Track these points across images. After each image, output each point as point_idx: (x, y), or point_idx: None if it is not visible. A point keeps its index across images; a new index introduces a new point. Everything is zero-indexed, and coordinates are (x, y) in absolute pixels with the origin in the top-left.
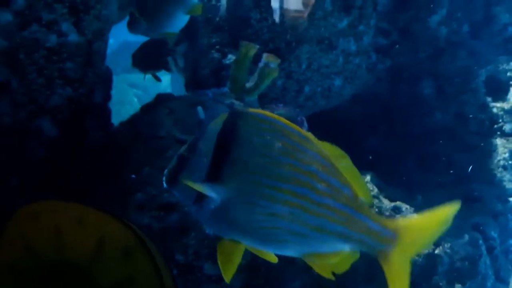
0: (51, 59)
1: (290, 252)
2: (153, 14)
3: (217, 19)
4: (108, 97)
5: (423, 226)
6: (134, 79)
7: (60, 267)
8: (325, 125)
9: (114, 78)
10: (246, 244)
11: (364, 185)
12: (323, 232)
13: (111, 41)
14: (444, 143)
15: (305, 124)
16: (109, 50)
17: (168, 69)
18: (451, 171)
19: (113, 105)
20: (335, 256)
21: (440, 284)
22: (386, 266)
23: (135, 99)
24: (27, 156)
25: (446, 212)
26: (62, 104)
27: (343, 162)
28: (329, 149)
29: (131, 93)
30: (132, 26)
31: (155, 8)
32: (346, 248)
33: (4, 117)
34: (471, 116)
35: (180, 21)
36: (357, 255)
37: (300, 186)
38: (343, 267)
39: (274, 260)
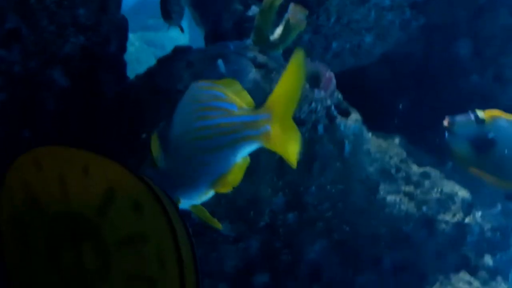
0: (63, 5)
1: (204, 185)
2: None
3: None
4: (123, 48)
5: (285, 87)
6: (151, 38)
7: (65, 219)
8: (352, 85)
9: (131, 36)
10: (186, 200)
11: (246, 95)
12: (219, 149)
13: None
14: (479, 107)
15: (333, 80)
16: (126, 7)
17: (170, 17)
18: None
19: (131, 64)
20: (232, 172)
21: (469, 255)
22: (273, 143)
23: (153, 58)
24: (39, 108)
25: (295, 62)
26: (75, 53)
27: (234, 87)
28: (224, 82)
29: (149, 51)
30: None
31: None
32: (239, 159)
33: (15, 66)
34: (510, 79)
35: None
36: (247, 161)
37: (201, 120)
38: (237, 178)
39: (219, 226)
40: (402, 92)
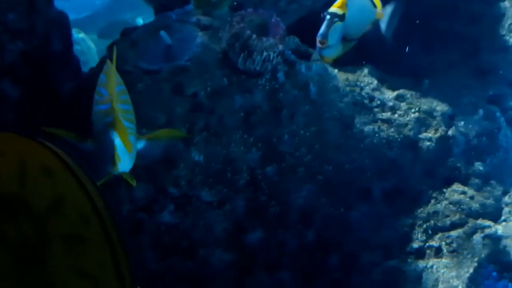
0: None
1: (108, 162)
2: None
3: None
4: (69, 44)
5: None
6: None
7: None
8: (314, 28)
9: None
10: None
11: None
12: (102, 133)
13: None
14: (447, 19)
15: (281, 25)
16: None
17: None
18: (458, 47)
19: None
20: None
21: (458, 165)
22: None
23: None
24: None
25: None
26: (17, 60)
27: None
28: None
29: None
30: None
31: None
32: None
33: None
34: None
35: None
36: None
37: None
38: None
39: (133, 183)
40: None
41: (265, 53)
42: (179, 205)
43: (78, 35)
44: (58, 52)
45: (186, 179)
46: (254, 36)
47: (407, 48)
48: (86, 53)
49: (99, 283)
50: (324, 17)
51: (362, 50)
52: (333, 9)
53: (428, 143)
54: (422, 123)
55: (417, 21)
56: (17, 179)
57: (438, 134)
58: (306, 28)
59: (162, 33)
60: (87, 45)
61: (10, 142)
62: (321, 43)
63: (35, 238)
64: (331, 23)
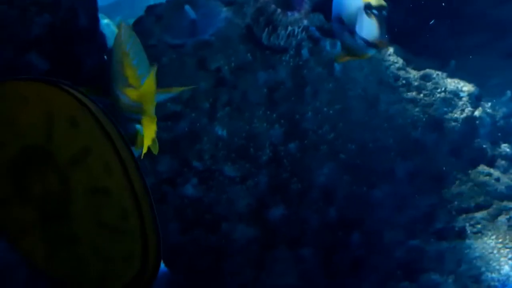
0: None
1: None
2: None
3: None
4: (95, 20)
5: (148, 88)
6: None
7: (26, 153)
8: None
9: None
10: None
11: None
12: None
13: None
14: (475, 0)
15: None
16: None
17: None
18: (486, 29)
19: None
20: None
21: (484, 146)
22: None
23: None
24: None
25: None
26: (44, 32)
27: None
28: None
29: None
30: None
31: None
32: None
33: None
34: None
35: None
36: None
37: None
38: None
39: (155, 150)
40: (395, 4)
41: (289, 28)
42: (202, 179)
43: (103, 20)
44: (85, 28)
45: (209, 153)
46: (279, 10)
47: (432, 21)
48: (110, 38)
49: (122, 235)
50: (365, 12)
51: (389, 29)
52: (374, 1)
53: (453, 124)
54: (448, 103)
55: (444, 3)
56: (44, 131)
57: (464, 115)
58: (331, 7)
59: (187, 7)
60: (111, 30)
61: (36, 90)
62: (384, 44)
63: (59, 191)
64: (383, 18)
